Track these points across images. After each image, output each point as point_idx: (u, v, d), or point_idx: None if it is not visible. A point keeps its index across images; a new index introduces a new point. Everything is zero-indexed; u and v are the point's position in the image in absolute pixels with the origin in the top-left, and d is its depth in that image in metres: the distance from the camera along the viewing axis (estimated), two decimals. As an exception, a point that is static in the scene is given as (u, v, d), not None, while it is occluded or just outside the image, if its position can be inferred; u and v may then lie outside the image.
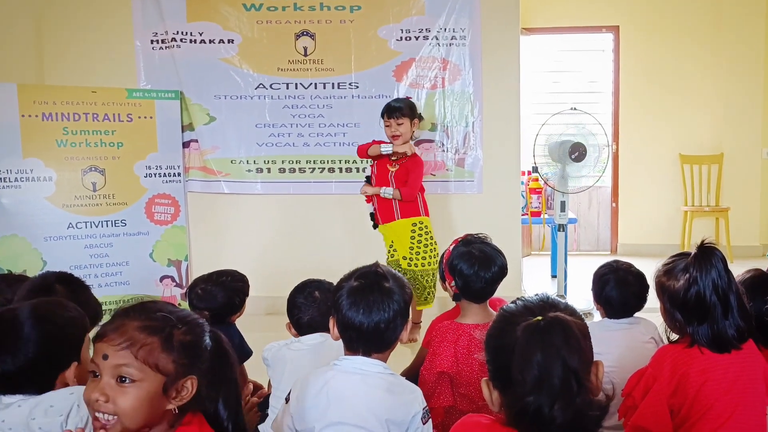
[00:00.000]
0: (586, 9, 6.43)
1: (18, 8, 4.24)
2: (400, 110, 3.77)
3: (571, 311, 1.30)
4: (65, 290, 1.97)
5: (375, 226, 3.96)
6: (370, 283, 1.66)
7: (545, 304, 1.30)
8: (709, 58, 6.32)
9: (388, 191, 3.78)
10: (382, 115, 3.84)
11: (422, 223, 3.83)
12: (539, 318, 1.22)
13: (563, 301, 1.34)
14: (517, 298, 1.36)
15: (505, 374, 1.22)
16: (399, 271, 3.72)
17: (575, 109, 4.55)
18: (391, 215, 3.83)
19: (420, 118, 3.95)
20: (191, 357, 1.31)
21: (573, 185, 4.57)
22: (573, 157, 4.38)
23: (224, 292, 2.52)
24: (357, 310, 1.62)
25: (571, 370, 1.15)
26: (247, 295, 2.62)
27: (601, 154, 4.48)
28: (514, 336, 1.22)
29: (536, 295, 1.36)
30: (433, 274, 3.83)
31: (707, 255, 1.74)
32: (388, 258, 3.93)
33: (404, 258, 3.82)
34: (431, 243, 3.84)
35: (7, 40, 4.14)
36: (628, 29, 6.41)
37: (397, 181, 3.79)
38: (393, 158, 3.84)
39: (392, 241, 3.89)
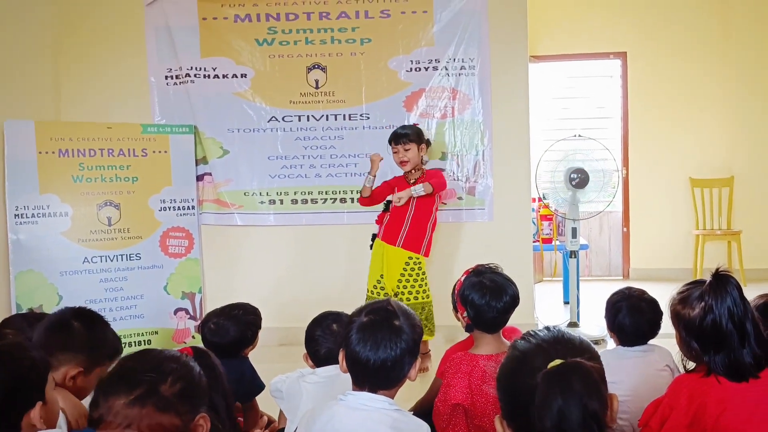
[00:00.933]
0: (594, 36, 6.48)
1: (35, 47, 4.32)
2: (406, 136, 3.81)
3: (586, 347, 1.30)
4: (82, 326, 1.95)
5: (372, 246, 3.96)
6: (380, 319, 1.66)
7: (559, 342, 1.30)
8: (717, 82, 6.34)
9: (418, 189, 3.73)
10: (390, 142, 3.88)
11: (417, 262, 3.84)
12: (557, 362, 1.22)
13: (576, 335, 1.33)
14: (528, 333, 1.35)
15: (519, 414, 1.22)
16: None
17: (579, 135, 4.58)
18: (394, 239, 3.83)
19: (428, 143, 3.98)
20: (191, 398, 1.31)
21: (582, 211, 4.58)
22: (574, 183, 4.41)
23: (237, 326, 2.54)
24: (365, 346, 1.62)
25: (591, 415, 1.16)
26: (260, 327, 2.64)
27: (611, 179, 4.50)
28: (528, 377, 1.22)
29: (548, 329, 1.35)
30: (423, 307, 3.83)
31: (722, 283, 1.73)
32: (369, 292, 3.91)
33: (391, 291, 3.81)
34: (422, 279, 3.84)
35: (25, 78, 4.21)
36: (636, 55, 6.45)
37: (419, 204, 3.81)
38: (411, 181, 3.87)
39: (381, 275, 3.87)
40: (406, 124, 4.36)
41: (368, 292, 3.92)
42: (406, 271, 3.81)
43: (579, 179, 4.41)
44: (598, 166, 4.45)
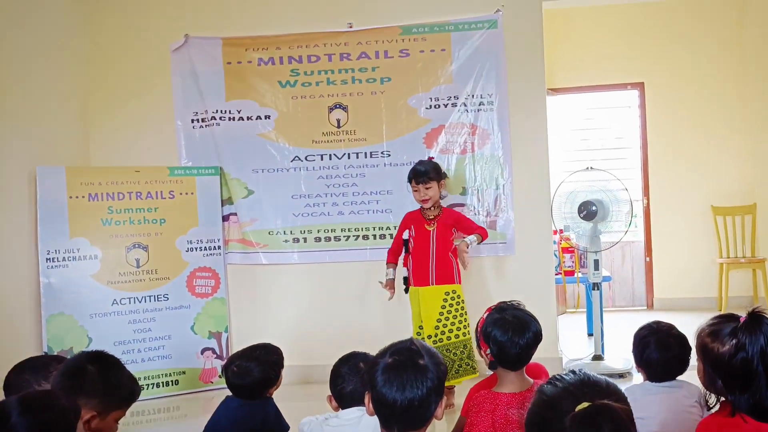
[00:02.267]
0: (611, 67, 6.53)
1: (65, 94, 4.46)
2: (426, 174, 3.85)
3: (613, 389, 1.31)
4: (96, 371, 1.97)
5: (407, 290, 3.97)
6: (404, 360, 1.66)
7: (585, 385, 1.31)
8: (736, 110, 6.34)
9: (471, 239, 3.86)
10: (410, 181, 3.92)
11: (455, 293, 3.84)
12: (585, 405, 1.23)
13: (602, 378, 1.34)
14: (554, 378, 1.36)
15: None
16: None
17: (591, 168, 4.61)
18: (425, 279, 3.84)
19: (445, 177, 4.03)
20: None
21: (596, 243, 4.58)
22: (582, 215, 4.43)
23: (259, 366, 2.54)
24: (391, 387, 1.62)
25: None
26: (282, 367, 2.64)
27: (625, 209, 4.50)
28: (557, 422, 1.23)
29: (573, 373, 1.36)
30: (465, 345, 3.81)
31: (757, 322, 1.72)
32: (414, 335, 3.91)
33: (429, 337, 3.78)
34: (462, 313, 3.84)
35: (56, 125, 4.34)
36: (653, 85, 6.49)
37: (440, 239, 3.84)
38: (429, 217, 3.90)
39: (421, 321, 3.87)
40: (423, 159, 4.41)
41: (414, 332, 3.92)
42: (445, 307, 3.81)
43: (587, 212, 4.43)
44: (610, 196, 4.47)
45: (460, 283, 3.89)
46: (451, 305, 3.82)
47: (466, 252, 3.82)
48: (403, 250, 3.99)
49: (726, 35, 6.37)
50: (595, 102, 6.78)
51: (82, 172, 4.20)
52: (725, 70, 6.36)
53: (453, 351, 3.79)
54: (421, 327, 3.88)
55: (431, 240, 3.86)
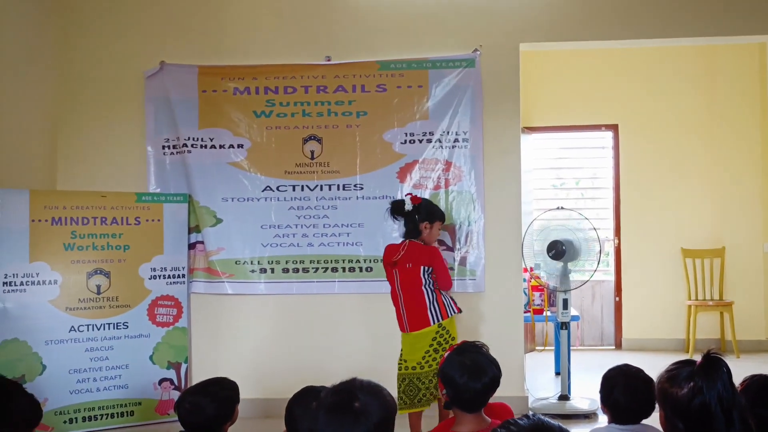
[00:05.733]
0: (586, 108, 6.61)
1: (34, 116, 4.38)
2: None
3: None
4: None
5: None
6: (344, 400, 1.61)
7: (539, 429, 1.29)
8: (707, 154, 6.45)
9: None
10: (438, 219, 3.90)
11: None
12: None
13: (555, 423, 1.33)
14: (508, 422, 1.34)
15: None
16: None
17: (562, 207, 4.64)
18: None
19: None
20: None
21: (566, 282, 4.59)
22: (551, 254, 4.46)
23: (213, 403, 2.49)
24: (332, 430, 1.58)
25: None
26: (237, 402, 2.60)
27: (594, 249, 4.53)
28: None
29: (527, 417, 1.35)
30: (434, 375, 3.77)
31: (714, 366, 1.71)
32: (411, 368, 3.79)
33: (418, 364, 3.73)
34: (447, 345, 3.74)
35: (23, 147, 4.24)
36: (627, 127, 6.58)
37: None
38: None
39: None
40: (399, 194, 4.40)
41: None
42: (432, 345, 3.72)
43: (556, 251, 4.46)
44: (579, 236, 4.51)
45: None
46: (438, 345, 3.75)
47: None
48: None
49: (697, 82, 6.50)
50: (570, 142, 6.85)
51: (47, 196, 4.11)
52: (696, 116, 6.48)
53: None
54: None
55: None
